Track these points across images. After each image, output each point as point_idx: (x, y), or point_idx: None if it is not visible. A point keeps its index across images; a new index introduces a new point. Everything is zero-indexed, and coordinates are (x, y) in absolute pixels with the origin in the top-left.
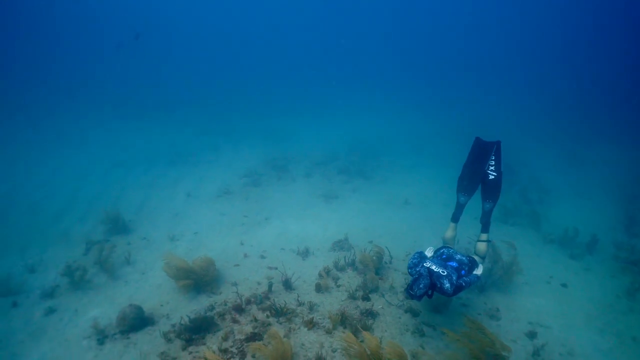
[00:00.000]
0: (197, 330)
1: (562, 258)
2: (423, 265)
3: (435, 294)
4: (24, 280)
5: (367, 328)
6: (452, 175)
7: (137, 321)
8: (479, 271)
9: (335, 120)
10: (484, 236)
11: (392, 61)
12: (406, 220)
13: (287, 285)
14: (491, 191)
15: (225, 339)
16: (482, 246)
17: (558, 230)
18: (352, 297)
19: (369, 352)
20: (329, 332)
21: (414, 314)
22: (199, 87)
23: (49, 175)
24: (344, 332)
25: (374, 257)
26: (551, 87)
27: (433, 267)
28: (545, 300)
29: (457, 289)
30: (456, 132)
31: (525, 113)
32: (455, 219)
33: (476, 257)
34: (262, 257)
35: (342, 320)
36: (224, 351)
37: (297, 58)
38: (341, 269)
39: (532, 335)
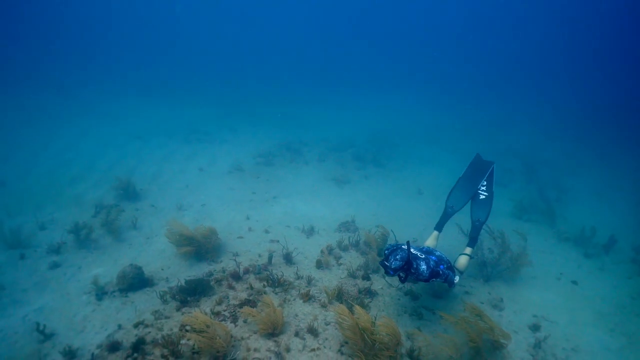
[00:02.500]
0: (192, 292)
1: (576, 256)
2: (402, 247)
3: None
4: (33, 236)
5: (364, 306)
6: None
7: (136, 280)
8: (456, 279)
9: (355, 112)
10: (467, 250)
11: (415, 56)
12: (418, 209)
13: (288, 259)
14: (481, 210)
15: (219, 303)
16: (463, 259)
17: (574, 229)
18: (352, 275)
19: (361, 327)
20: (324, 305)
21: (414, 297)
22: (222, 71)
23: (69, 143)
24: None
25: (378, 239)
26: (580, 87)
27: (413, 250)
28: (553, 295)
29: (434, 274)
30: (476, 128)
31: (551, 112)
32: (439, 227)
33: (455, 270)
34: (267, 231)
35: (339, 295)
36: (217, 314)
37: (322, 50)
38: (344, 249)
39: (535, 327)
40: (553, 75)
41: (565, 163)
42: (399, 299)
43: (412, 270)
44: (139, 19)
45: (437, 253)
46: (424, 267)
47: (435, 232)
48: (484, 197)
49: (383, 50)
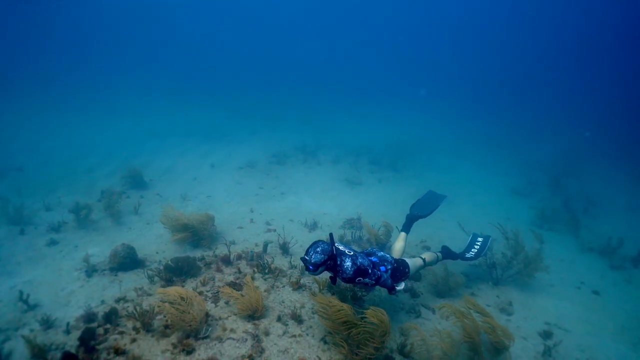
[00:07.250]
0: (179, 271)
1: (600, 267)
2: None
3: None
4: (37, 215)
5: (357, 299)
6: (490, 179)
7: (127, 260)
8: (400, 286)
9: (377, 122)
10: (439, 254)
11: (444, 67)
12: (431, 214)
13: (285, 249)
14: (468, 258)
15: (204, 284)
16: (431, 255)
17: (600, 240)
18: None
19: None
20: (314, 295)
21: (414, 294)
22: (246, 75)
23: (90, 137)
24: (332, 297)
25: (381, 235)
26: (617, 98)
27: (340, 247)
28: (570, 305)
29: (360, 272)
30: (499, 139)
31: (583, 125)
32: (405, 229)
33: (419, 258)
34: (268, 224)
35: (330, 285)
36: (199, 293)
37: (346, 61)
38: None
39: (546, 335)
40: (587, 85)
41: (596, 176)
42: (396, 296)
43: (338, 269)
44: (167, 25)
45: (380, 254)
46: (348, 263)
47: (403, 234)
48: (469, 255)
49: (407, 63)
